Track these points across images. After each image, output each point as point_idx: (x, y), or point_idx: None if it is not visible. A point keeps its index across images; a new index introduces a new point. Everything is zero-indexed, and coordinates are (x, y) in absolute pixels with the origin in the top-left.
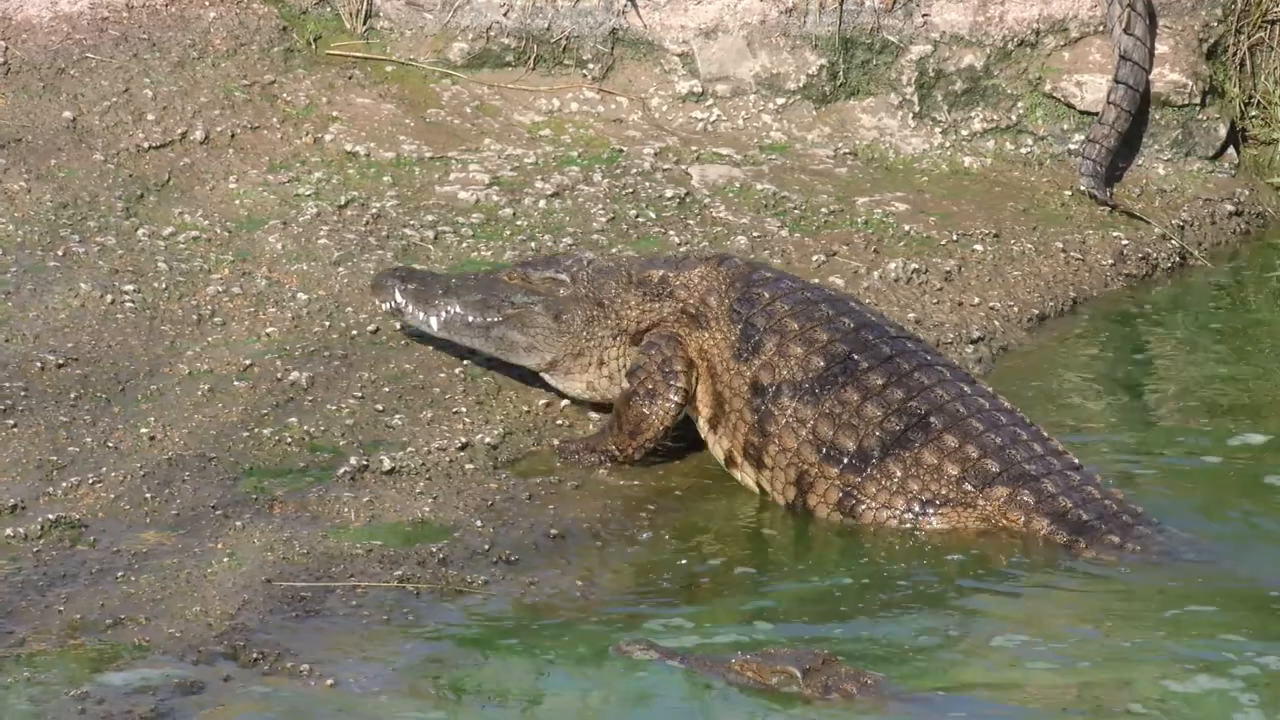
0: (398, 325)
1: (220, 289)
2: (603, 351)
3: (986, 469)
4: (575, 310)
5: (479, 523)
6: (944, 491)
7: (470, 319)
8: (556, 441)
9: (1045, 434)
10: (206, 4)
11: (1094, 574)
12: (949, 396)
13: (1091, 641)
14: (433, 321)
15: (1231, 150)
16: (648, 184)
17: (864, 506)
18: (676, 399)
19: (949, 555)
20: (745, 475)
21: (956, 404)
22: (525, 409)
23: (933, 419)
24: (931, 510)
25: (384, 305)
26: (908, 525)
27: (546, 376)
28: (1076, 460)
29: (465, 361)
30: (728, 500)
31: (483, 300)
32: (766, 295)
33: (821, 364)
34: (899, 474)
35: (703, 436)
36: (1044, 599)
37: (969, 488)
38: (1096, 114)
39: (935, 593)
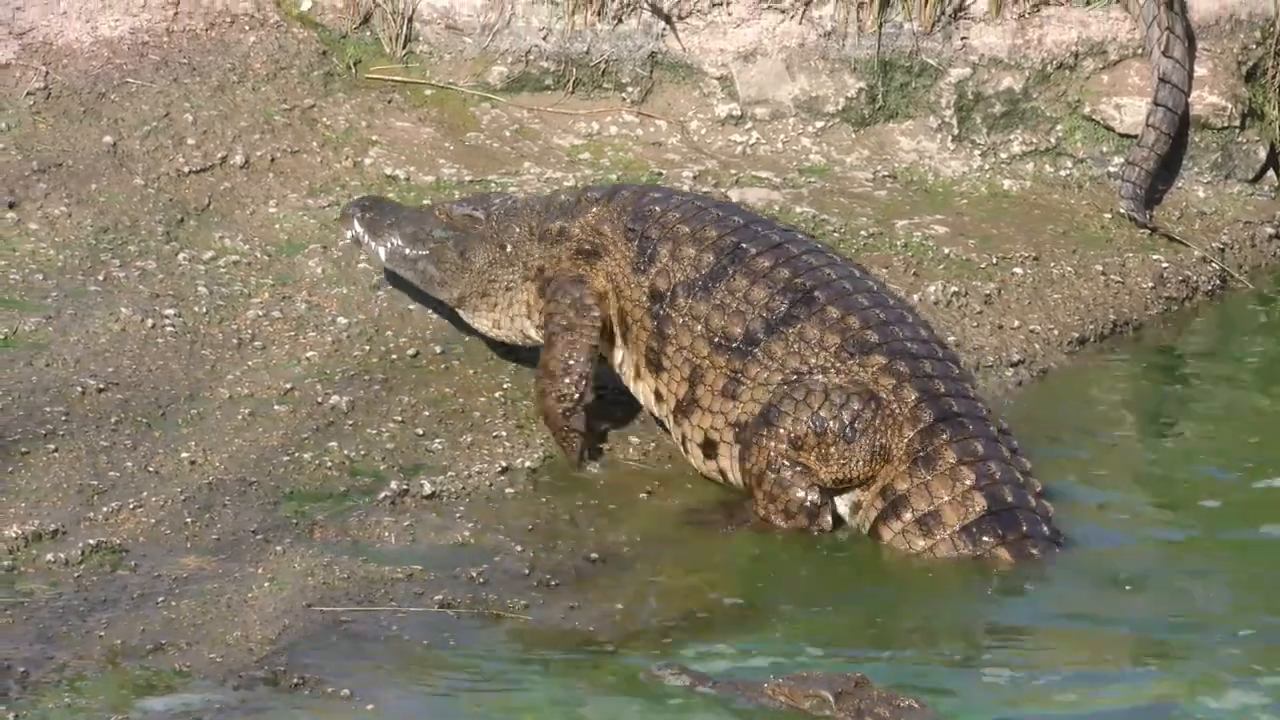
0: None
1: (260, 313)
2: (512, 294)
3: (866, 339)
4: (480, 249)
5: (519, 547)
6: (822, 363)
7: (405, 251)
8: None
9: (930, 327)
10: (246, 29)
11: (1128, 597)
12: (837, 275)
13: (1127, 661)
14: (381, 252)
15: (1271, 173)
16: None
17: (743, 388)
18: (593, 327)
19: (982, 579)
20: (646, 386)
21: (844, 282)
22: None
23: (818, 293)
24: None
25: (348, 234)
26: (787, 399)
27: (460, 313)
28: (958, 356)
29: (506, 385)
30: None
31: (413, 233)
32: (658, 209)
33: (712, 258)
34: (780, 352)
35: (616, 368)
36: (1077, 621)
37: (847, 355)
38: (1136, 136)
39: (968, 616)
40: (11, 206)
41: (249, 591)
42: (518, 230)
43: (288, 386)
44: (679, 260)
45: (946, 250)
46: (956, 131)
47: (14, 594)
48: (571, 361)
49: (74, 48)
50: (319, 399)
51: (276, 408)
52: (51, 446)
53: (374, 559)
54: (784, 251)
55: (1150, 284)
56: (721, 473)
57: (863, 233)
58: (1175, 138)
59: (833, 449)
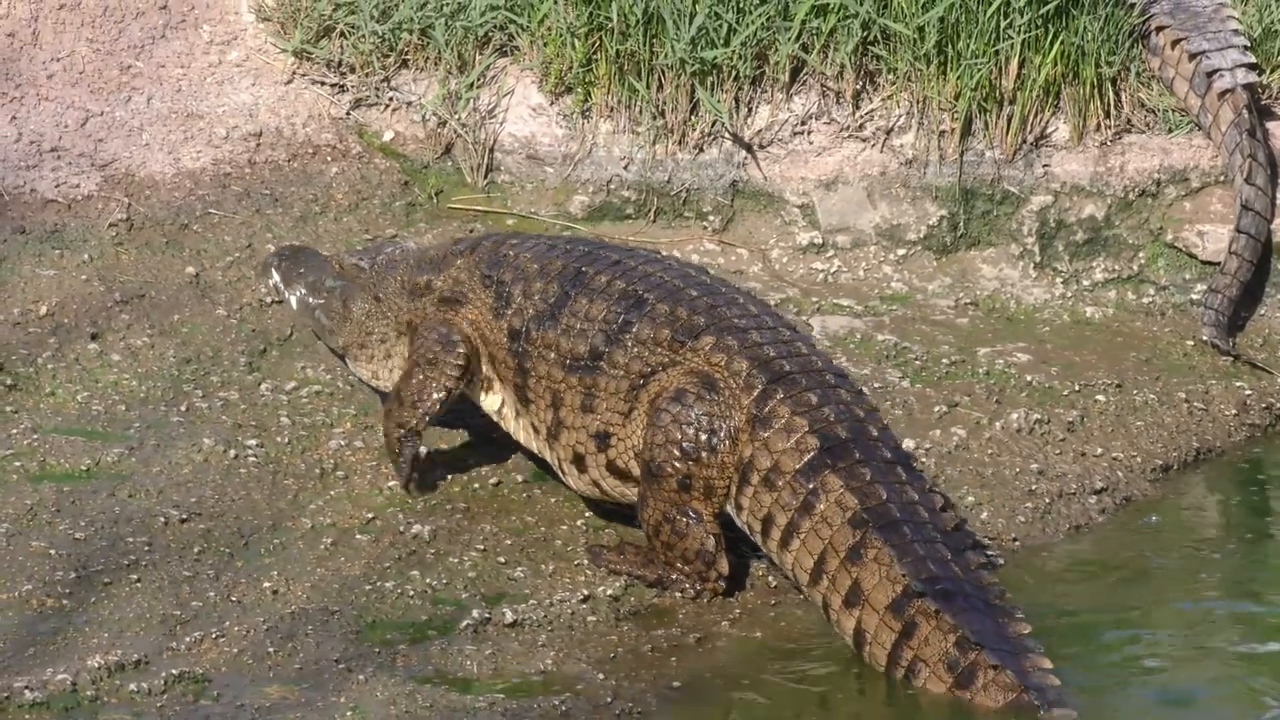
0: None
1: (343, 443)
2: (387, 346)
3: (694, 324)
4: (358, 300)
5: (601, 675)
6: (659, 359)
7: (308, 300)
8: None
9: (771, 309)
10: (329, 159)
11: None
12: (669, 277)
13: None
14: (292, 301)
15: None
16: None
17: (598, 400)
18: (458, 363)
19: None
20: (524, 423)
21: (675, 280)
22: None
23: (648, 295)
24: (651, 380)
25: (269, 283)
26: (630, 407)
27: (346, 362)
28: (794, 325)
29: (587, 514)
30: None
31: (313, 282)
32: (512, 254)
33: (556, 287)
34: (622, 359)
35: (491, 413)
36: None
37: (679, 345)
38: (1218, 264)
39: None
40: (94, 338)
41: None
42: (391, 283)
43: (370, 516)
44: (529, 297)
45: (1029, 378)
46: (1038, 259)
47: None
48: (424, 394)
49: (156, 179)
50: (401, 528)
51: (359, 537)
52: (134, 577)
53: (456, 688)
54: (621, 266)
55: (1234, 411)
56: (595, 484)
57: (944, 360)
58: (1258, 265)
59: (709, 461)
